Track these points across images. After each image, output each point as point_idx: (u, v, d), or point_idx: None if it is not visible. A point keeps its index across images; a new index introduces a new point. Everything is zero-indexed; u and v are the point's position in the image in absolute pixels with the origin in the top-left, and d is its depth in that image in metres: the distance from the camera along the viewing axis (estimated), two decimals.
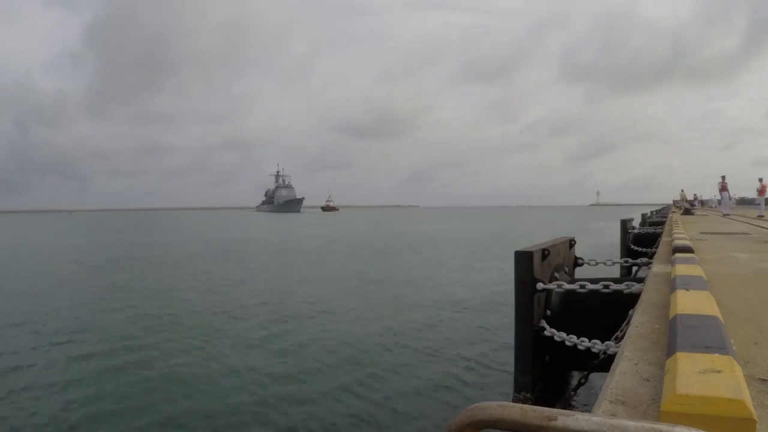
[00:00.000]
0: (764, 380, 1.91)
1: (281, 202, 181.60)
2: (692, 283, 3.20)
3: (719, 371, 1.55)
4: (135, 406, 6.67)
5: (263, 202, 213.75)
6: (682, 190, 33.91)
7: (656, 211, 39.53)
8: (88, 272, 20.75)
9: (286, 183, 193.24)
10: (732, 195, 22.88)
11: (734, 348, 1.92)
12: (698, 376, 1.52)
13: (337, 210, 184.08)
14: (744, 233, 10.31)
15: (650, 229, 18.12)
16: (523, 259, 6.13)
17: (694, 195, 37.23)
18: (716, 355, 1.72)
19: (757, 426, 1.30)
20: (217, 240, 41.46)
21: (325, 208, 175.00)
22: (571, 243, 8.79)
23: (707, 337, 1.96)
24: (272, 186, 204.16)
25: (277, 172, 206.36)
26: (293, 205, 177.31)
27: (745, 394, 1.37)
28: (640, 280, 5.59)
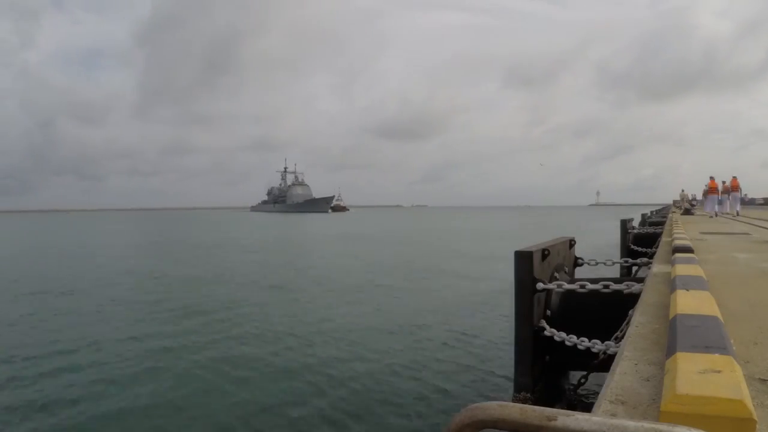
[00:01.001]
0: (764, 380, 1.91)
1: (297, 201, 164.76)
2: (692, 283, 3.20)
3: (719, 371, 1.55)
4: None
5: (264, 201, 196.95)
6: (683, 190, 33.49)
7: (656, 211, 39.52)
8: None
9: (300, 180, 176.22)
10: (722, 197, 22.45)
11: (734, 348, 1.92)
12: (698, 376, 1.51)
13: (347, 210, 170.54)
14: (744, 233, 10.31)
15: (650, 229, 18.11)
16: (523, 259, 6.13)
17: (692, 195, 36.81)
18: (716, 355, 1.72)
19: (757, 426, 1.30)
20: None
21: (335, 208, 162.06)
22: (571, 243, 8.79)
23: (707, 337, 1.95)
24: (277, 183, 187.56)
25: (285, 168, 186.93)
26: (316, 204, 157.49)
27: (745, 394, 1.37)
28: (640, 280, 5.59)
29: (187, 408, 6.64)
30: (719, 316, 2.35)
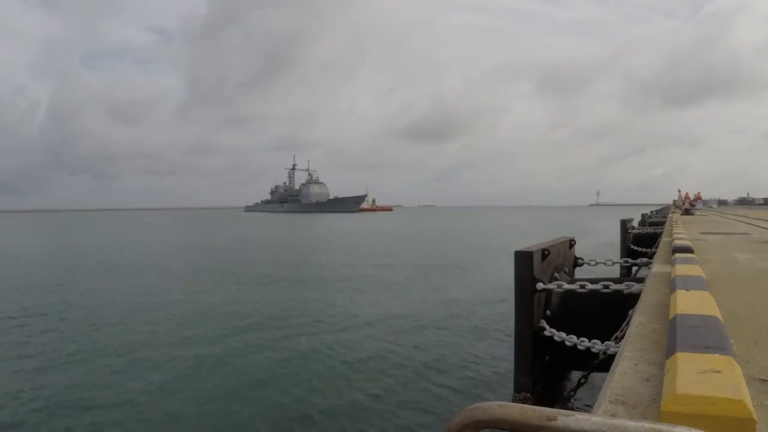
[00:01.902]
0: (764, 380, 1.91)
1: (314, 201, 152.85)
2: (692, 283, 3.20)
3: (719, 371, 1.55)
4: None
5: (266, 201, 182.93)
6: (679, 191, 36.09)
7: (656, 211, 39.52)
8: None
9: (315, 178, 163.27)
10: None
11: (734, 348, 1.92)
12: (698, 376, 1.52)
13: (391, 209, 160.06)
14: (744, 233, 10.31)
15: (650, 229, 18.11)
16: (523, 259, 6.13)
17: (687, 195, 39.62)
18: (716, 355, 1.72)
19: (757, 426, 1.30)
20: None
21: (376, 208, 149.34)
22: (571, 243, 8.79)
23: (707, 337, 1.95)
24: (283, 182, 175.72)
25: (294, 165, 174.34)
26: (341, 204, 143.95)
27: (745, 394, 1.37)
28: (640, 280, 5.59)
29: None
30: (719, 316, 2.35)
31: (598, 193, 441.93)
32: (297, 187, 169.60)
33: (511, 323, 6.43)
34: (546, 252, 6.60)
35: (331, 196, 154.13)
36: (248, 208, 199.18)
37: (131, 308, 13.12)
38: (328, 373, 7.91)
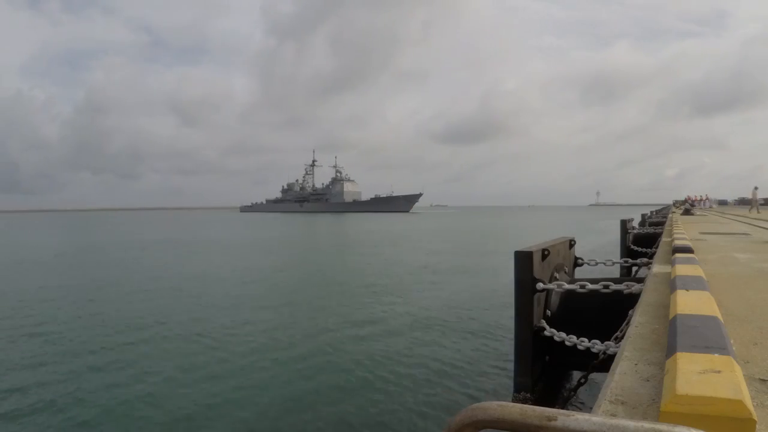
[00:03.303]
0: (764, 380, 1.91)
1: (348, 200, 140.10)
2: (692, 284, 3.20)
3: (719, 371, 1.55)
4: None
5: (276, 200, 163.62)
6: (687, 196, 40.98)
7: (656, 211, 39.58)
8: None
9: (345, 176, 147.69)
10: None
11: (734, 348, 1.92)
12: (698, 376, 1.52)
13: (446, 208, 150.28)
14: (744, 233, 10.31)
15: (650, 230, 18.12)
16: (523, 259, 6.14)
17: (688, 196, 44.32)
18: (716, 355, 1.72)
19: (757, 426, 1.30)
20: None
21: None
22: (571, 243, 8.79)
23: (707, 337, 1.95)
24: (296, 179, 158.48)
25: (313, 161, 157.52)
26: (391, 203, 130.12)
27: (745, 395, 1.37)
28: (640, 281, 5.59)
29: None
30: (719, 316, 2.35)
31: (597, 194, 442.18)
32: (317, 185, 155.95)
33: (511, 323, 6.43)
34: (546, 252, 6.61)
35: (362, 197, 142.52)
36: (245, 209, 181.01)
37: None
38: (325, 372, 7.91)
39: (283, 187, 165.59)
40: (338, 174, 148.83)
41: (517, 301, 6.16)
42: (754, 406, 1.36)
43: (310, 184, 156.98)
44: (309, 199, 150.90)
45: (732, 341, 2.01)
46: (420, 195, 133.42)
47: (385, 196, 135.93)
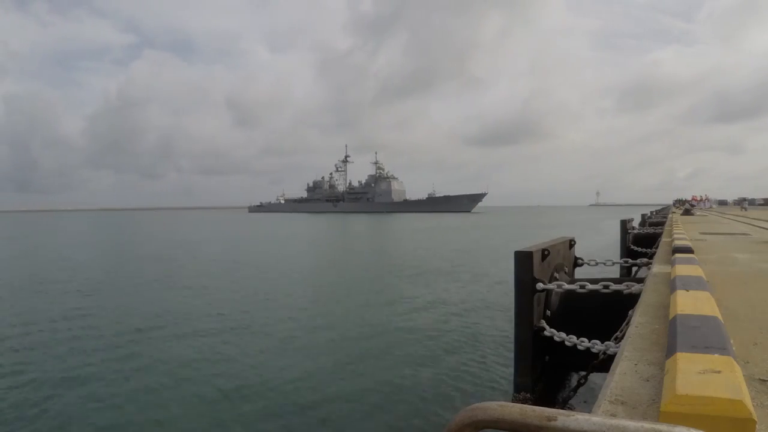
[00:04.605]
0: (764, 381, 1.91)
1: (396, 199, 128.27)
2: (692, 284, 3.20)
3: (719, 371, 1.55)
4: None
5: (302, 199, 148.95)
6: (693, 196, 42.63)
7: (656, 211, 39.57)
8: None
9: (388, 174, 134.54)
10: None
11: (734, 348, 1.92)
12: (698, 376, 1.52)
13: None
14: (744, 234, 10.31)
15: (650, 230, 18.11)
16: (523, 259, 6.13)
17: (693, 196, 45.12)
18: (716, 355, 1.72)
19: (757, 426, 1.30)
20: None
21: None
22: (571, 243, 8.79)
23: (707, 337, 1.95)
24: (323, 177, 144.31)
25: (346, 157, 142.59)
26: (453, 202, 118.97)
27: (745, 395, 1.37)
28: (640, 281, 5.59)
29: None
30: (719, 316, 2.35)
31: (597, 194, 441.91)
32: (354, 183, 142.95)
33: (511, 323, 6.42)
34: (546, 252, 6.60)
35: (410, 197, 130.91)
36: (253, 209, 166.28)
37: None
38: (324, 371, 7.90)
39: (308, 185, 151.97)
40: (380, 171, 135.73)
41: (517, 301, 6.16)
42: (754, 406, 1.36)
43: (341, 182, 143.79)
44: (344, 198, 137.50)
45: (732, 341, 2.01)
46: (484, 194, 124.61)
47: (440, 195, 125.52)
